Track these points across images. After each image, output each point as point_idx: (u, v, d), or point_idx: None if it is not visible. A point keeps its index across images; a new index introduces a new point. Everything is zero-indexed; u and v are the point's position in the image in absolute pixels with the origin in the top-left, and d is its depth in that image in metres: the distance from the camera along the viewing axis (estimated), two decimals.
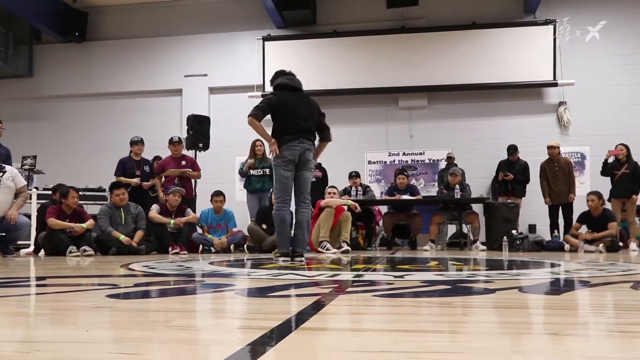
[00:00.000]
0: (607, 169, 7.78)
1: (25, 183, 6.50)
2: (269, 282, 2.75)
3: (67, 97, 11.23)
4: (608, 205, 7.58)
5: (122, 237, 6.38)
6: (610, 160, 7.75)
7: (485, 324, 1.56)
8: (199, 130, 8.27)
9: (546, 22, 9.75)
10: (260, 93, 10.39)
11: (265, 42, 10.46)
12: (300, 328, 1.41)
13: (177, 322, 1.57)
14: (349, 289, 2.31)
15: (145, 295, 2.32)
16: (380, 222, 8.67)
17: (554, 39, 9.66)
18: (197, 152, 8.25)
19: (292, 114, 4.83)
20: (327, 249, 6.40)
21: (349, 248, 6.48)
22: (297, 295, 2.20)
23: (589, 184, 9.06)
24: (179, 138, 7.85)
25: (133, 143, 7.54)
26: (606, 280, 2.70)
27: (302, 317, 1.59)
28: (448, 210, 8.18)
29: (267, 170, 7.75)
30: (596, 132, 9.52)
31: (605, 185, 7.92)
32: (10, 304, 2.04)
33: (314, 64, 10.33)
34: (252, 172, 7.81)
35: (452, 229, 8.98)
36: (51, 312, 1.78)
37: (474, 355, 1.10)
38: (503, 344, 1.26)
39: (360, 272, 3.27)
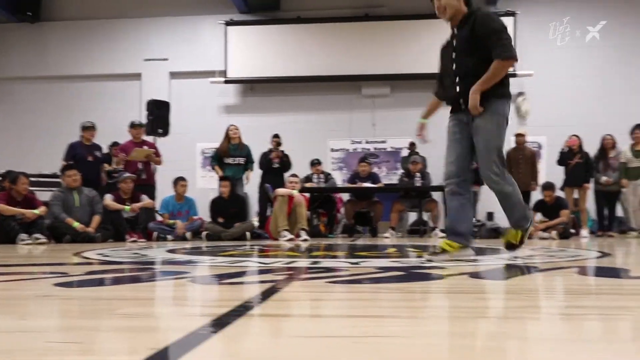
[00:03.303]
0: (563, 159, 8.02)
1: None
2: (224, 269, 2.73)
3: (20, 79, 10.81)
4: (562, 194, 7.83)
5: (76, 224, 6.20)
6: (565, 150, 7.99)
7: (431, 309, 1.59)
8: (158, 115, 8.11)
9: (507, 14, 9.91)
10: (222, 79, 10.26)
11: (228, 27, 10.30)
12: (248, 314, 1.40)
13: (123, 310, 1.55)
14: (303, 276, 2.32)
15: (96, 283, 2.27)
16: (342, 210, 8.71)
17: (514, 31, 9.84)
18: (157, 138, 8.09)
19: None
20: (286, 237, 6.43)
21: (308, 237, 6.51)
22: (251, 282, 2.20)
23: (545, 172, 9.31)
24: (140, 122, 7.69)
25: (85, 128, 7.32)
26: (554, 266, 2.79)
27: (252, 303, 1.59)
28: (409, 198, 8.28)
29: (241, 160, 7.65)
30: (553, 123, 9.77)
31: (559, 174, 8.16)
32: None
33: (278, 50, 10.24)
34: (225, 159, 7.66)
35: (413, 216, 9.10)
36: None
37: (419, 340, 1.12)
38: (448, 328, 1.29)
39: (317, 259, 3.29)
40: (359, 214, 8.31)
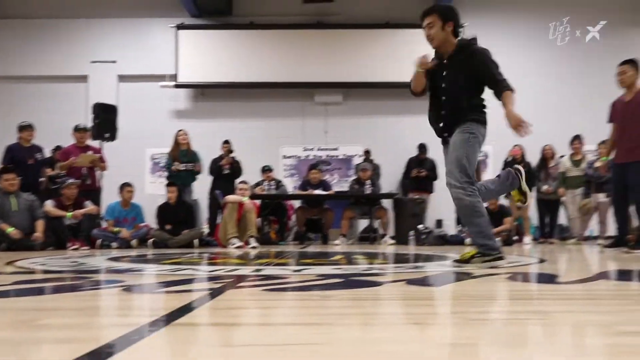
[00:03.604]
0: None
1: None
2: (162, 277, 2.67)
3: None
4: (506, 202, 8.06)
5: (10, 230, 5.89)
6: (509, 159, 8.25)
7: (370, 316, 1.59)
8: (105, 119, 7.88)
9: None
10: (173, 83, 10.09)
11: (179, 31, 10.14)
12: (173, 324, 1.37)
13: (43, 321, 1.48)
14: (241, 284, 2.29)
15: (22, 293, 2.17)
16: (293, 217, 8.69)
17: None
18: (104, 142, 7.85)
19: None
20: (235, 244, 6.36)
21: (256, 244, 6.46)
22: (185, 291, 2.15)
23: None
24: (84, 125, 7.45)
25: (22, 128, 7.01)
26: (489, 272, 2.86)
27: (179, 312, 1.55)
28: (359, 205, 8.35)
29: (190, 166, 7.51)
30: (498, 133, 10.03)
31: None
32: None
33: (230, 55, 10.16)
34: (178, 166, 7.48)
35: (364, 223, 9.18)
36: None
37: (336, 347, 1.12)
38: (390, 335, 1.29)
39: (260, 267, 3.25)
40: (310, 221, 8.32)
